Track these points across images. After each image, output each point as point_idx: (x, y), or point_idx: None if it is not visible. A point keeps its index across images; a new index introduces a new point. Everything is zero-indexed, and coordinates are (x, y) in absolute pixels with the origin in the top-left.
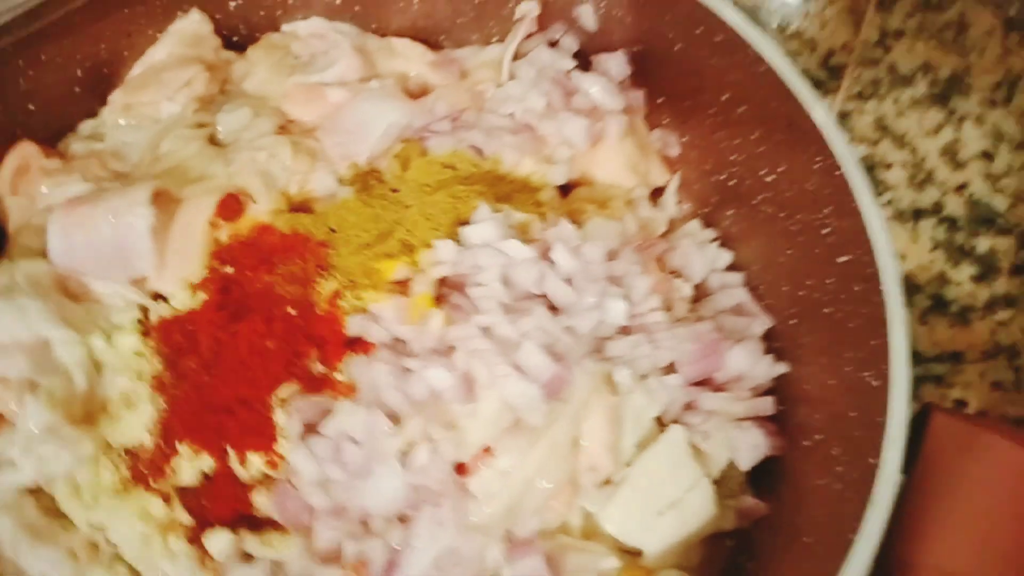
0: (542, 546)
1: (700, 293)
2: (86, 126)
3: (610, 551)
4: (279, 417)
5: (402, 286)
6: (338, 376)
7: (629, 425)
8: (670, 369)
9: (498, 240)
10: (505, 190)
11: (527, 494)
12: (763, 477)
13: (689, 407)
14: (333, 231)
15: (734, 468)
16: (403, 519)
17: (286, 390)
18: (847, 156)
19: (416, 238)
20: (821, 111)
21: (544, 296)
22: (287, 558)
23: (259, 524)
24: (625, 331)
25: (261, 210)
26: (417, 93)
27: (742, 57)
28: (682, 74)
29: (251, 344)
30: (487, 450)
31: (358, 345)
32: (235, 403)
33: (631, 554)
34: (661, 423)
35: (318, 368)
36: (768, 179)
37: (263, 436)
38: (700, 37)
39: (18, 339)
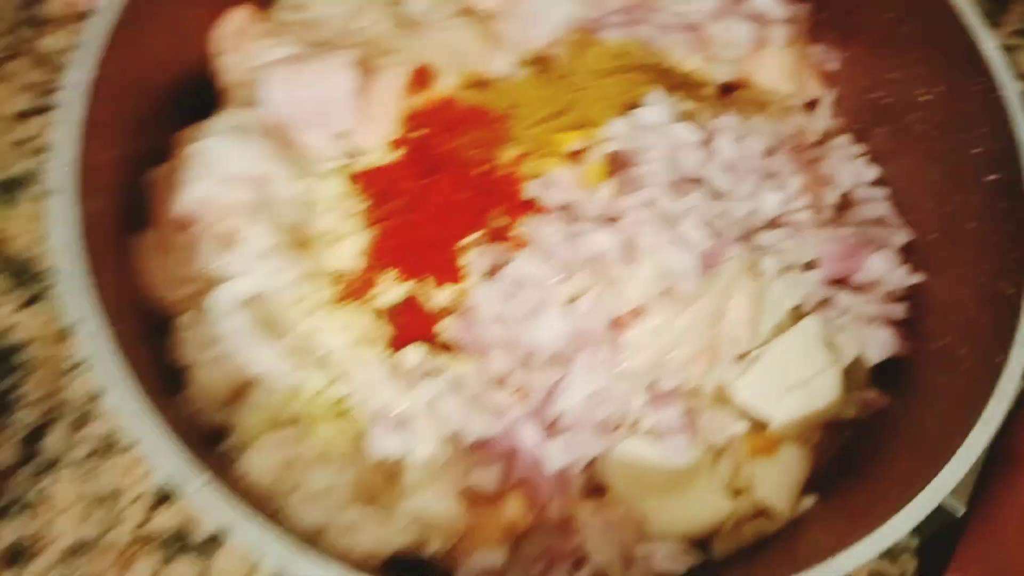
0: (681, 400)
1: (845, 203)
2: None
3: (739, 417)
4: (467, 257)
5: (575, 158)
6: (515, 232)
7: (770, 309)
8: (811, 266)
9: (667, 123)
10: (673, 82)
11: (672, 352)
12: (886, 375)
13: (825, 303)
14: (511, 107)
15: (860, 362)
16: (560, 362)
17: (473, 237)
18: (1008, 80)
19: (591, 116)
20: (987, 36)
21: (701, 182)
22: (466, 376)
23: (443, 347)
24: (773, 224)
25: (446, 84)
26: None
27: None
28: None
29: (448, 194)
30: (639, 310)
31: (533, 207)
32: (433, 241)
33: (756, 425)
34: (797, 315)
35: (499, 222)
36: (923, 99)
37: (454, 272)
38: None
39: (247, 172)
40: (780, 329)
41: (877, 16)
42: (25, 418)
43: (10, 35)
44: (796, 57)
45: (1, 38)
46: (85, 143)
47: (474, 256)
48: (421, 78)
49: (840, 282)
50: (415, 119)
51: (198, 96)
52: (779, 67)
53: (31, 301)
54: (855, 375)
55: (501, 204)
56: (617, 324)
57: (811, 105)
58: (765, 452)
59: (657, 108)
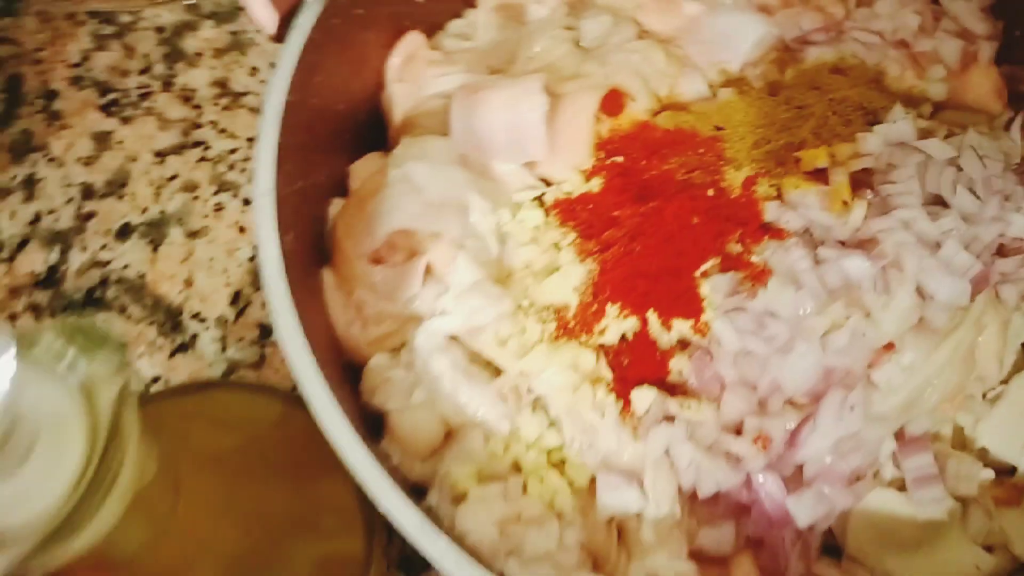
0: (931, 446)
1: None
2: (454, 25)
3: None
4: (704, 289)
5: (816, 177)
6: (754, 259)
7: (1011, 343)
8: None
9: (913, 139)
10: (896, 99)
11: (924, 393)
12: None
13: None
14: (719, 128)
15: None
16: (798, 405)
17: (708, 265)
18: None
19: (827, 132)
20: None
21: (948, 205)
22: (702, 421)
23: (671, 390)
24: (1009, 251)
25: (639, 108)
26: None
27: None
28: None
29: (679, 219)
30: (890, 346)
31: (771, 231)
32: (663, 272)
33: (999, 472)
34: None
35: (736, 248)
36: None
37: (690, 304)
38: None
39: (446, 201)
40: (1016, 367)
41: None
42: None
43: (149, 72)
44: (999, 75)
45: (142, 74)
46: (278, 172)
47: (711, 287)
48: (612, 102)
49: None
50: (610, 145)
51: (368, 128)
52: (988, 85)
53: (182, 348)
54: None
55: (736, 229)
56: (873, 360)
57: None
58: (1010, 503)
59: (903, 123)
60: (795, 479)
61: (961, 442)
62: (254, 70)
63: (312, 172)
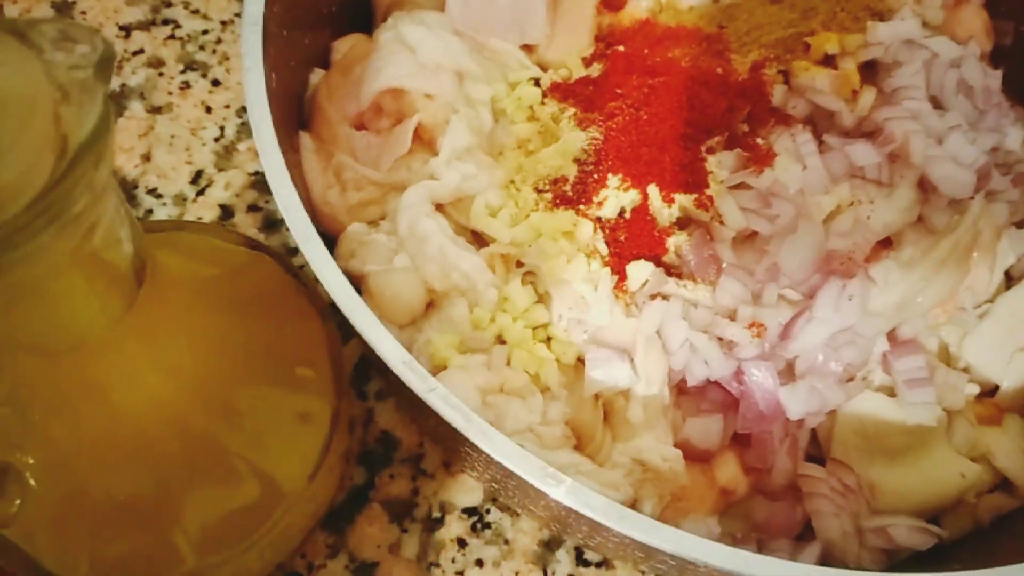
0: (923, 349)
1: None
2: None
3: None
4: (710, 163)
5: (827, 64)
6: (759, 141)
7: (998, 262)
8: (1021, 225)
9: (920, 36)
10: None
11: (919, 292)
12: None
13: None
14: (722, 27)
15: None
16: (792, 302)
17: (715, 140)
18: None
19: (836, 25)
20: None
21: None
22: (697, 302)
23: (665, 269)
24: (1002, 168)
25: (640, 7)
26: None
27: None
28: None
29: (689, 90)
30: (887, 242)
31: (778, 116)
32: (669, 141)
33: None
34: (1009, 277)
35: (743, 128)
36: None
37: (695, 177)
38: None
39: (441, 64)
40: (997, 289)
41: None
42: None
43: None
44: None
45: None
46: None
47: (718, 161)
48: None
49: None
50: (609, 37)
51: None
52: (978, 23)
53: None
54: None
55: (746, 106)
56: (870, 253)
57: None
58: (991, 421)
59: (911, 21)
60: (786, 375)
61: (945, 359)
62: None
63: (297, 29)
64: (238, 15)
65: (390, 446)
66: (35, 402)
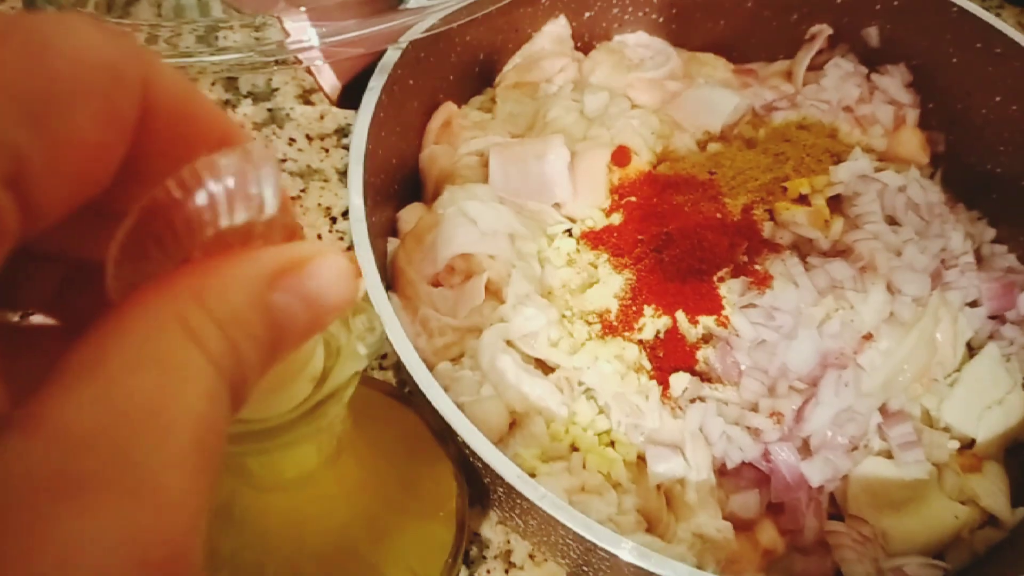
0: (910, 418)
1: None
2: (476, 100)
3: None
4: (722, 290)
5: (798, 202)
6: (757, 267)
7: (960, 338)
8: (974, 304)
9: (871, 171)
10: (850, 148)
11: (899, 373)
12: None
13: (991, 336)
14: (712, 173)
15: None
16: (800, 391)
17: (723, 272)
18: None
19: (804, 168)
20: None
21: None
22: (727, 400)
23: (699, 377)
24: (944, 266)
25: (643, 161)
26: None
27: (1020, 65)
28: (955, 82)
29: (698, 234)
30: (869, 336)
31: (770, 246)
32: (688, 275)
33: (962, 446)
34: (970, 347)
35: (743, 259)
36: None
37: (711, 303)
38: (979, 50)
39: (497, 230)
40: (963, 359)
41: (985, 101)
42: None
43: None
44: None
45: None
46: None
47: (728, 288)
48: (621, 156)
49: (999, 318)
50: (621, 189)
51: (406, 184)
52: (915, 141)
53: None
54: None
55: (744, 242)
56: (856, 348)
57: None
58: (972, 469)
59: (862, 161)
60: (803, 451)
61: (928, 422)
62: (291, 140)
63: (378, 211)
64: (303, 190)
65: (482, 546)
66: (244, 520)
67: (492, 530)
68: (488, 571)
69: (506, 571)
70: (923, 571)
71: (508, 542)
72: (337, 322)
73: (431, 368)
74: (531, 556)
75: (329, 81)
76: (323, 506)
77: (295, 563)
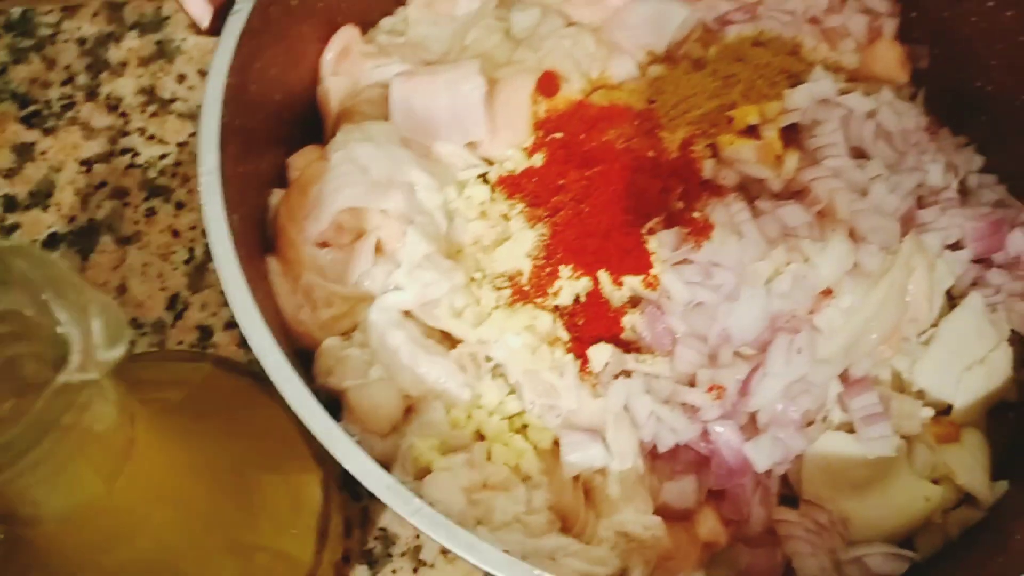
0: (875, 386)
1: (963, 191)
2: (386, 22)
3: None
4: (651, 244)
5: (749, 135)
6: (695, 215)
7: (937, 288)
8: (956, 246)
9: (836, 96)
10: (812, 67)
11: (864, 334)
12: None
13: (975, 283)
14: (651, 102)
15: (1016, 341)
16: (746, 357)
17: (654, 222)
18: None
19: (755, 93)
20: None
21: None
22: (658, 374)
23: (625, 347)
24: (928, 202)
25: (573, 89)
26: None
27: None
28: None
29: (624, 179)
30: (828, 292)
31: (710, 189)
32: (612, 229)
33: (937, 412)
34: (950, 297)
35: (678, 205)
36: None
37: (639, 260)
38: None
39: (392, 179)
40: (941, 311)
41: (976, 8)
42: None
43: (72, 83)
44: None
45: (64, 85)
46: (222, 153)
47: (658, 242)
48: (547, 84)
49: (984, 262)
50: (547, 124)
51: (304, 124)
52: (893, 56)
53: None
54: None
55: (679, 186)
56: (813, 306)
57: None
58: (950, 439)
59: (824, 82)
60: (749, 428)
61: (899, 386)
62: (181, 77)
63: (253, 159)
64: (193, 135)
65: (388, 542)
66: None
67: (401, 524)
68: (394, 571)
69: (415, 570)
70: (887, 563)
71: (417, 537)
72: (69, 320)
73: (316, 345)
74: (444, 552)
75: (197, 3)
76: (132, 524)
77: None
